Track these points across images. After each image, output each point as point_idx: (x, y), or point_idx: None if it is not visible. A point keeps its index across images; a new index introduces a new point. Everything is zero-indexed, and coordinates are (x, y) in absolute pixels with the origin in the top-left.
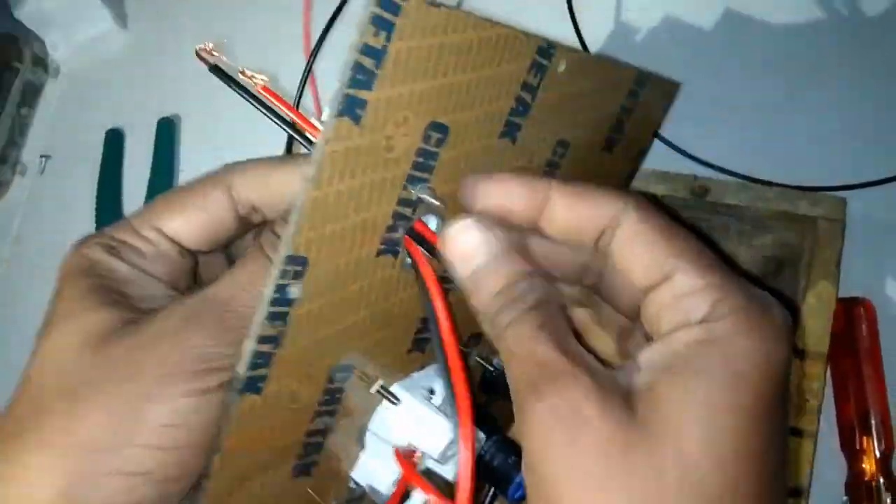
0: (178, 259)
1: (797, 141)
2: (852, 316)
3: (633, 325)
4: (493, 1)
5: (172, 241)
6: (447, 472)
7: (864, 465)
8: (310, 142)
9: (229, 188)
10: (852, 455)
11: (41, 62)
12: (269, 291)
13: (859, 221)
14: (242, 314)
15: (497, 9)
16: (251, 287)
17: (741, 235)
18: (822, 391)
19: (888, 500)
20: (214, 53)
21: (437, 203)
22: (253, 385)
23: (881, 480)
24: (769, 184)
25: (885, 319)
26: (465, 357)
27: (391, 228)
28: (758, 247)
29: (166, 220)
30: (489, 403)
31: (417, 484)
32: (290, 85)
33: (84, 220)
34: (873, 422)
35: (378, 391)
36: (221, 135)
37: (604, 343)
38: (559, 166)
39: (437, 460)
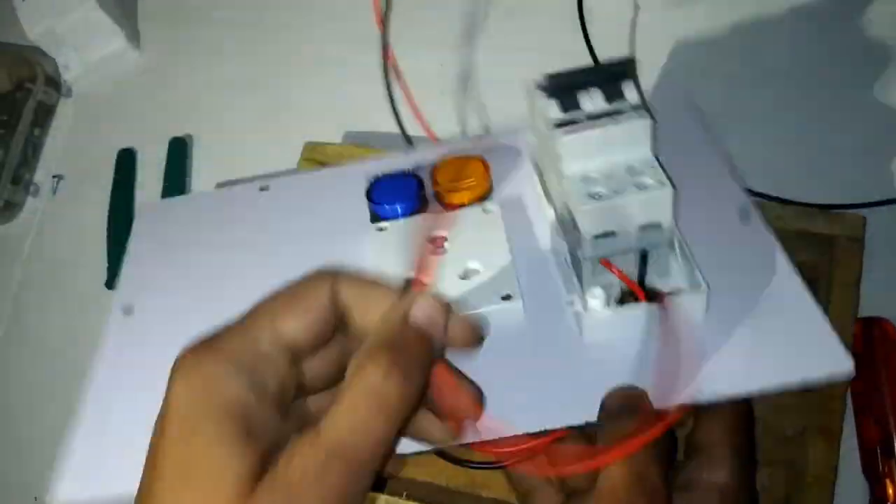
0: (287, 370)
1: (815, 158)
2: (872, 336)
3: None
4: (506, 17)
5: (288, 347)
6: None
7: (887, 490)
8: None
9: (334, 287)
10: (874, 479)
11: (53, 82)
12: None
13: (880, 239)
14: (365, 462)
15: (509, 24)
16: (367, 432)
17: None
18: (843, 414)
19: None
20: None
21: None
22: None
23: None
24: (786, 202)
25: None
26: None
27: None
28: None
29: (281, 321)
30: None
31: None
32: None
33: (96, 241)
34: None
35: None
36: (233, 154)
37: None
38: None
39: None
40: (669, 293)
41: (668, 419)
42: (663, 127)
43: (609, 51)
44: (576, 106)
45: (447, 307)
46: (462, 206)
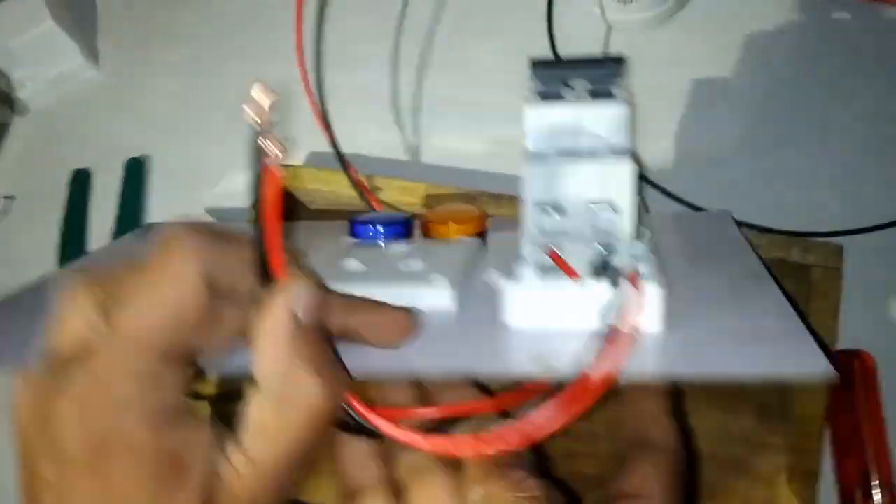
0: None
1: (791, 185)
2: (851, 369)
3: None
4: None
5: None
6: None
7: None
8: None
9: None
10: None
11: (7, 99)
12: None
13: (857, 268)
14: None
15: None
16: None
17: None
18: (821, 454)
19: None
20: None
21: None
22: None
23: None
24: (762, 230)
25: (889, 373)
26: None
27: None
28: None
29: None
30: None
31: None
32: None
33: (47, 264)
34: (874, 483)
35: None
36: (191, 175)
37: None
38: None
39: None
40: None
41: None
42: None
43: None
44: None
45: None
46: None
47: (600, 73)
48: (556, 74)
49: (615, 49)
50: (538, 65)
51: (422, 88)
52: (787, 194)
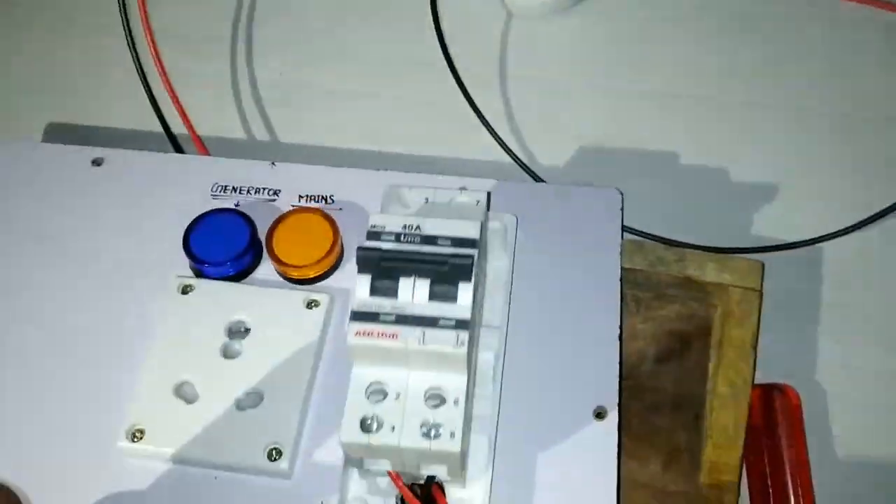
0: None
1: (706, 195)
2: (772, 405)
3: None
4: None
5: None
6: None
7: None
8: None
9: None
10: None
11: None
12: None
13: (779, 289)
14: None
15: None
16: None
17: (639, 305)
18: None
19: None
20: None
21: None
22: None
23: None
24: (670, 243)
25: (814, 409)
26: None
27: None
28: (660, 319)
29: None
30: None
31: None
32: None
33: None
34: None
35: None
36: None
37: None
38: None
39: None
40: None
41: None
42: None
43: (473, 64)
44: (391, 293)
45: None
46: (300, 272)
47: (448, 278)
48: (388, 271)
49: (514, 37)
50: (371, 255)
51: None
52: (701, 206)
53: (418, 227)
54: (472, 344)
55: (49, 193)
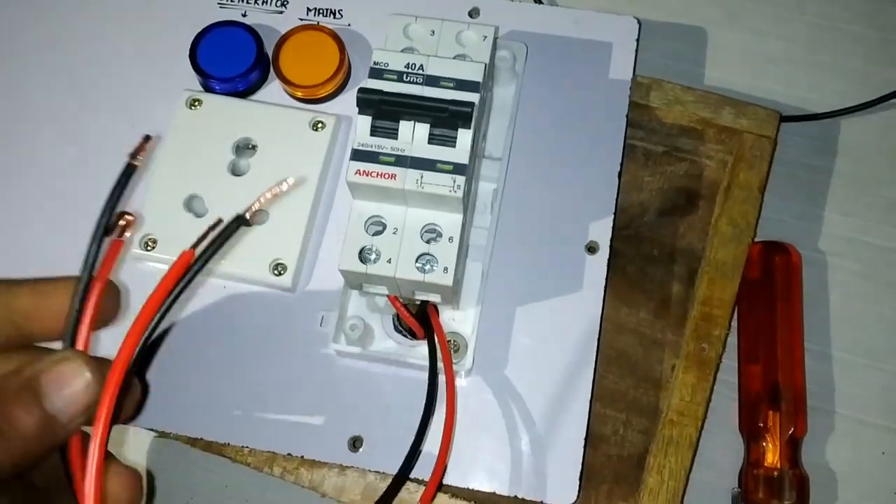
0: None
1: (733, 65)
2: (772, 263)
3: None
4: None
5: None
6: None
7: (765, 450)
8: None
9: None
10: (752, 435)
11: None
12: None
13: (793, 160)
14: None
15: None
16: None
17: (648, 157)
18: (724, 341)
19: (789, 497)
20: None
21: None
22: None
23: (785, 471)
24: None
25: (813, 279)
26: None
27: None
28: (668, 174)
29: None
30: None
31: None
32: None
33: None
34: (783, 396)
35: None
36: None
37: None
38: None
39: None
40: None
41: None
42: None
43: None
44: (391, 134)
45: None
46: (306, 91)
47: (447, 122)
48: (390, 113)
49: None
50: (372, 97)
51: None
52: (734, 61)
53: (422, 67)
54: (470, 183)
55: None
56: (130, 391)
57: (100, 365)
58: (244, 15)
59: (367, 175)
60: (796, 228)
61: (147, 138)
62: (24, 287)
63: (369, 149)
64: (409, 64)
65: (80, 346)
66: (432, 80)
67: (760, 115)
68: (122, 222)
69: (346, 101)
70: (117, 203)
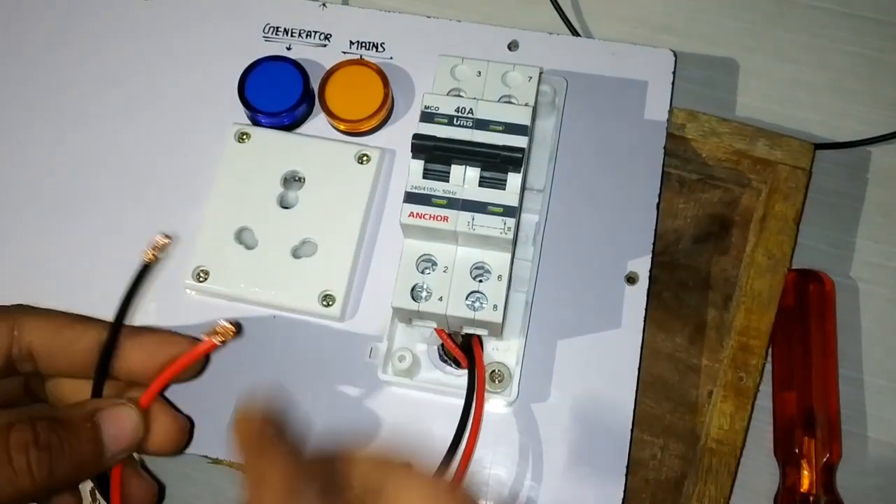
0: None
1: (764, 92)
2: (806, 292)
3: None
4: None
5: None
6: None
7: (801, 475)
8: None
9: (14, 325)
10: (788, 461)
11: None
12: None
13: (825, 188)
14: None
15: None
16: None
17: (683, 185)
18: (761, 370)
19: None
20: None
21: None
22: None
23: (821, 497)
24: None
25: (845, 305)
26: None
27: None
28: (702, 202)
29: None
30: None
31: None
32: None
33: None
34: (818, 422)
35: None
36: None
37: None
38: None
39: None
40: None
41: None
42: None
43: None
44: (442, 177)
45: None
46: (351, 125)
47: (498, 167)
48: (441, 157)
49: None
50: (424, 143)
51: None
52: (769, 91)
53: (471, 111)
54: (518, 224)
55: (104, 31)
56: (178, 424)
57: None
58: (289, 48)
59: (420, 217)
60: (829, 255)
61: (167, 237)
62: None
63: (422, 191)
64: (459, 108)
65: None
66: (482, 124)
67: (795, 147)
68: (157, 242)
69: (389, 135)
70: (132, 299)
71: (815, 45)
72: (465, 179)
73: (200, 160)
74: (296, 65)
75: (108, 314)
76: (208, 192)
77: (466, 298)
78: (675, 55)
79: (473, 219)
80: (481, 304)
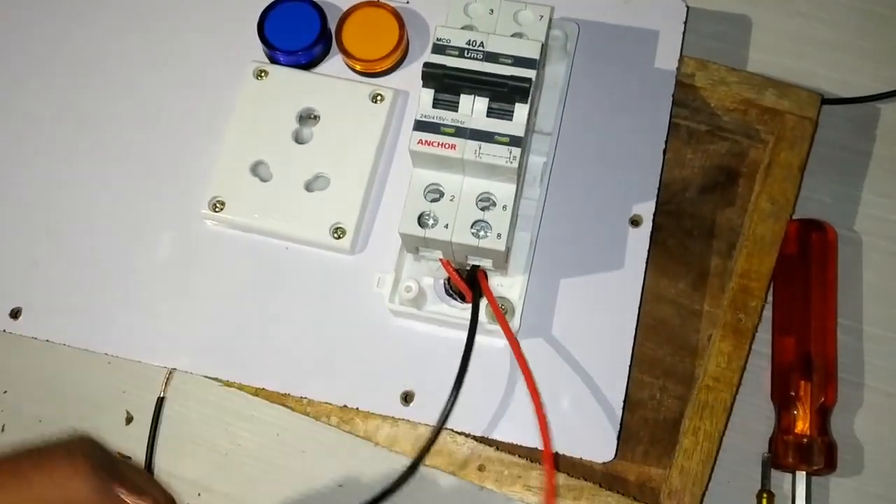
0: None
1: (775, 47)
2: (808, 240)
3: None
4: None
5: None
6: None
7: (796, 417)
8: None
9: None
10: (784, 403)
11: None
12: None
13: (832, 142)
14: None
15: None
16: None
17: (692, 136)
18: (760, 312)
19: (818, 462)
20: None
21: None
22: None
23: (814, 438)
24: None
25: (848, 257)
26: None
27: None
28: (710, 153)
29: None
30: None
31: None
32: None
33: None
34: (815, 366)
35: None
36: None
37: None
38: None
39: None
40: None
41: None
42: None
43: None
44: (451, 106)
45: None
46: (367, 65)
47: (506, 97)
48: (451, 87)
49: None
50: (435, 72)
51: None
52: (773, 41)
53: (482, 44)
54: (524, 155)
55: None
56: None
57: None
58: None
59: (428, 145)
60: (833, 208)
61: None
62: None
63: (431, 120)
64: (470, 41)
65: None
66: (492, 57)
67: (802, 97)
68: None
69: (403, 76)
70: None
71: (828, 2)
72: (473, 110)
73: (219, 96)
74: (314, 5)
75: (126, 240)
76: (226, 127)
77: (472, 227)
78: (687, 6)
79: (480, 147)
80: (486, 232)
